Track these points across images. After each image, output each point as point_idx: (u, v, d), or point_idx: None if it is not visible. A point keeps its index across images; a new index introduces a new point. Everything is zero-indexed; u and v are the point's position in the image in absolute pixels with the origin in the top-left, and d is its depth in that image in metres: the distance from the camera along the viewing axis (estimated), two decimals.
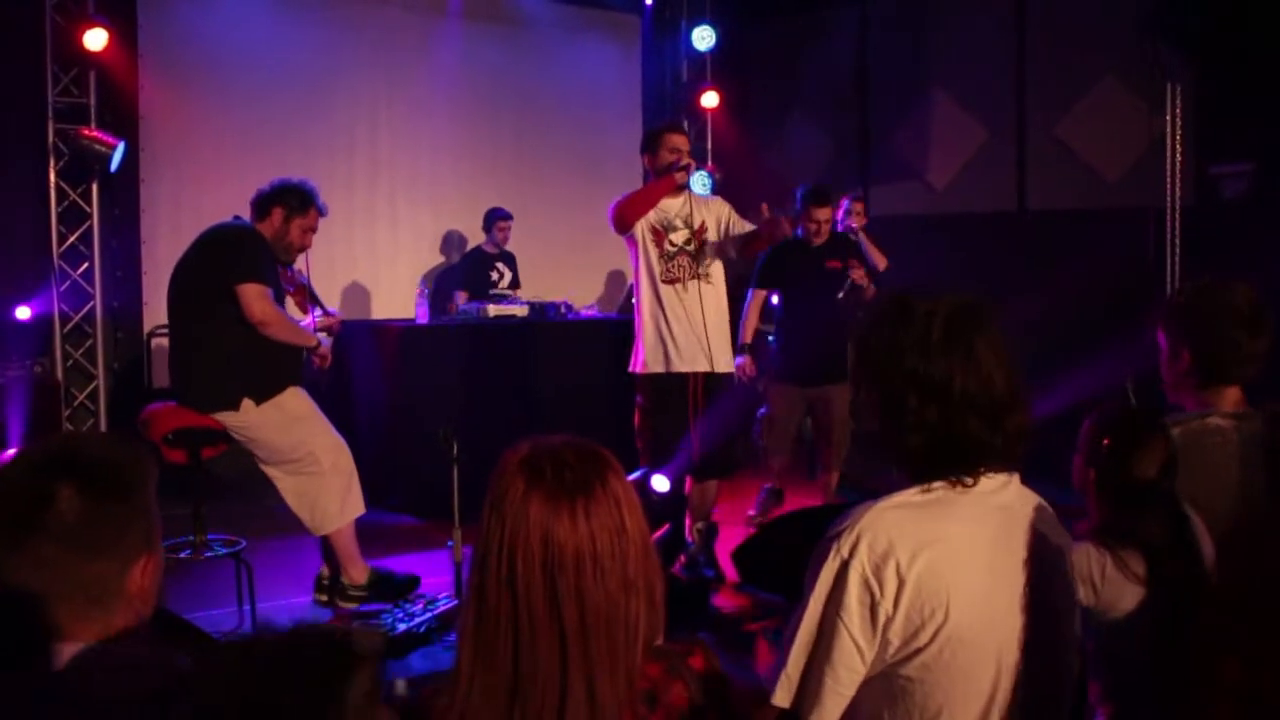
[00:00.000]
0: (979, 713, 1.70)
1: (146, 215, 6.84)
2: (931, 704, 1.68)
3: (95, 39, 6.28)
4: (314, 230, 4.40)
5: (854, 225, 6.35)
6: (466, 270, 7.62)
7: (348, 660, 1.03)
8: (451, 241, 8.17)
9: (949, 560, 1.65)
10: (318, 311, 4.65)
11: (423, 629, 3.93)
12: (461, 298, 7.00)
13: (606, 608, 1.39)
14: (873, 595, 1.63)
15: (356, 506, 4.32)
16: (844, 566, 1.65)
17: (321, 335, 4.38)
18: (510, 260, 7.69)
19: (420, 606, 4.12)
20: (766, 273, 5.79)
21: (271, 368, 4.15)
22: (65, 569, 1.40)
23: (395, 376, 6.20)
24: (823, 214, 5.71)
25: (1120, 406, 2.52)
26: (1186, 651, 2.20)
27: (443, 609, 4.07)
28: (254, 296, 4.04)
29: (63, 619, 1.41)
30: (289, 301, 4.53)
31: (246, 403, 4.10)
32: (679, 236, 4.86)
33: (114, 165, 6.40)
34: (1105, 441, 2.35)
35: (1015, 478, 1.78)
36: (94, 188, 6.60)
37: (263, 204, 4.31)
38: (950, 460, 1.71)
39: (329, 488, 4.21)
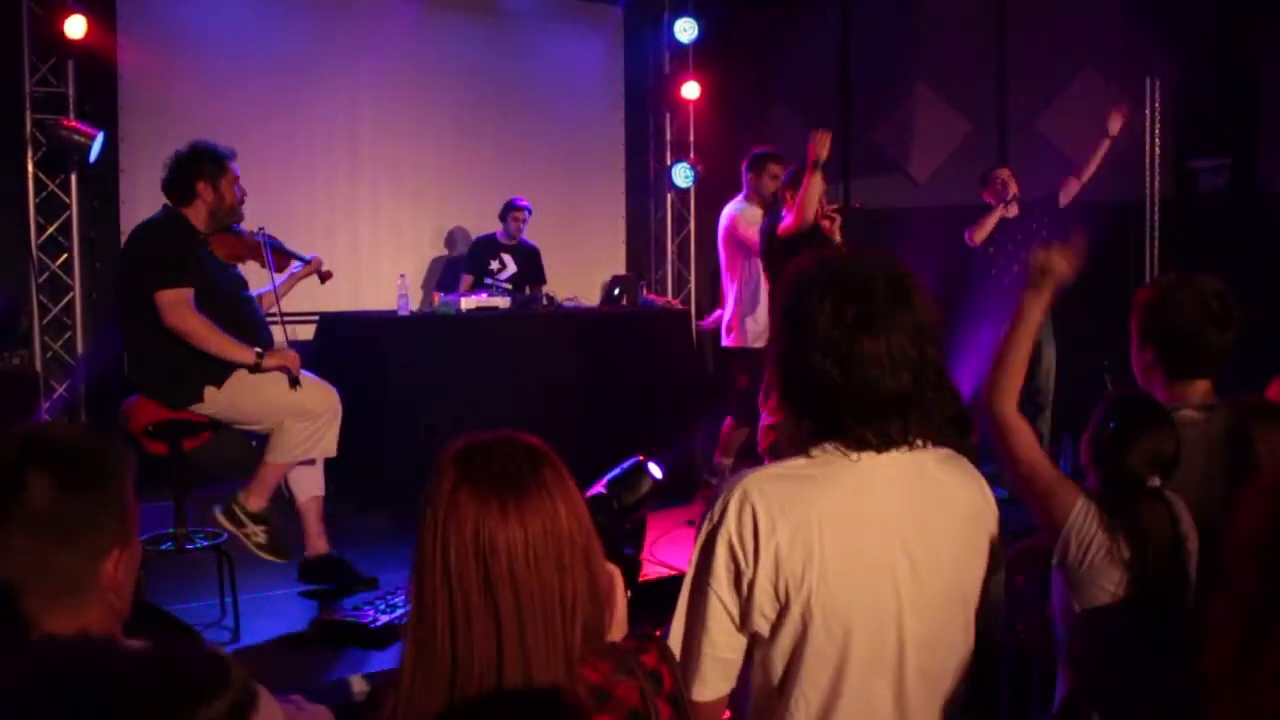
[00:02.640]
0: (869, 682, 1.72)
1: (126, 206, 6.79)
2: (817, 674, 1.69)
3: (74, 27, 6.22)
4: (238, 177, 4.28)
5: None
6: (471, 255, 7.59)
7: (215, 678, 0.95)
8: (434, 234, 8.16)
9: (818, 530, 1.66)
10: (295, 265, 4.62)
11: (404, 621, 3.92)
12: (465, 283, 7.00)
13: (541, 591, 1.41)
14: (738, 562, 1.67)
15: (313, 450, 4.24)
16: (713, 533, 1.69)
17: (273, 360, 4.18)
18: (521, 253, 7.56)
19: (402, 598, 4.12)
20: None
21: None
22: (35, 558, 1.40)
23: (375, 369, 6.19)
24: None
25: (1136, 394, 2.56)
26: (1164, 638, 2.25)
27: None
28: (169, 305, 3.99)
29: (33, 609, 1.41)
30: (250, 266, 4.47)
31: (209, 390, 4.09)
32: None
33: (93, 156, 6.36)
34: (1111, 425, 2.38)
35: (931, 451, 1.77)
36: (73, 178, 6.56)
37: (180, 186, 4.20)
38: (844, 424, 1.70)
39: (308, 428, 4.17)
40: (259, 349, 4.14)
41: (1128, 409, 2.42)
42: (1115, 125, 6.15)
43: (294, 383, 4.17)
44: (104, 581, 1.45)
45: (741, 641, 1.72)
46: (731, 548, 1.67)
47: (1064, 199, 6.31)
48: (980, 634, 1.82)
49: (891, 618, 1.70)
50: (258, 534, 4.18)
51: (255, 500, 4.21)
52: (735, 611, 1.69)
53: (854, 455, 1.70)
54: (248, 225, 4.45)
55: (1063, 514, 2.32)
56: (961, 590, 1.79)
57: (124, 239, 6.72)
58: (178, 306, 4.00)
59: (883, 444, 1.70)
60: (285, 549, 4.26)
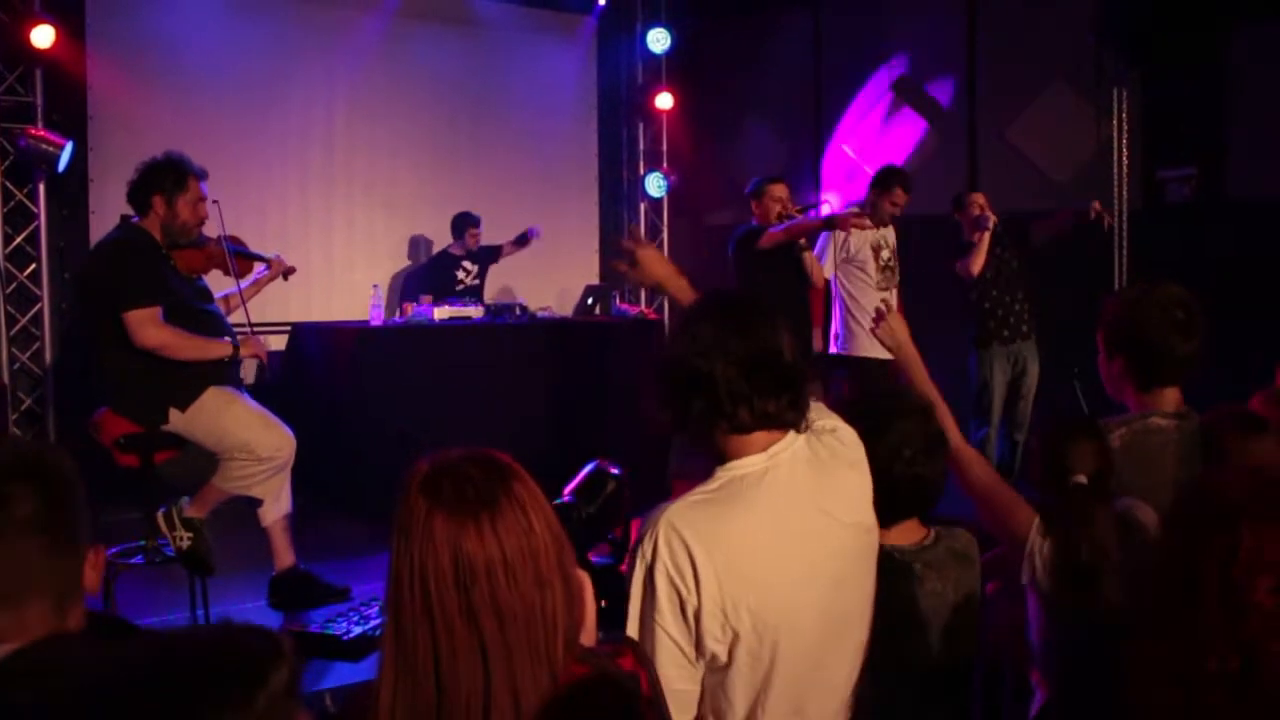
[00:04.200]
0: (822, 693, 1.78)
1: (96, 216, 6.73)
2: (774, 692, 1.73)
3: (42, 36, 6.17)
4: (205, 199, 4.24)
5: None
6: (431, 273, 7.57)
7: (274, 650, 1.02)
8: (406, 244, 8.14)
9: (748, 549, 1.71)
10: (260, 268, 4.59)
11: (378, 633, 3.91)
12: (425, 301, 6.94)
13: (523, 610, 1.40)
14: (679, 593, 1.70)
15: (251, 489, 4.23)
16: (649, 570, 1.71)
17: (247, 352, 4.24)
18: (481, 255, 7.61)
19: (375, 610, 4.10)
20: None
21: (187, 375, 4.11)
22: (25, 569, 1.46)
23: (349, 379, 6.17)
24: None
25: (1063, 412, 2.62)
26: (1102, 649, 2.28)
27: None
28: (137, 325, 3.98)
29: (18, 615, 1.45)
30: (215, 276, 4.45)
31: (173, 412, 4.10)
32: (885, 254, 6.20)
33: (62, 165, 6.30)
34: (1042, 442, 2.44)
35: (798, 438, 1.84)
36: (41, 188, 6.50)
37: (137, 197, 4.17)
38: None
39: (252, 468, 4.18)
40: (233, 340, 4.19)
41: (1055, 426, 2.49)
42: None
43: (262, 370, 4.31)
44: (86, 581, 1.52)
45: (695, 672, 1.74)
46: (670, 579, 1.69)
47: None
48: (952, 649, 1.85)
49: (823, 615, 1.77)
50: (183, 540, 4.15)
51: (194, 510, 4.22)
52: (685, 643, 1.71)
53: (753, 463, 1.77)
54: (209, 231, 4.38)
55: (1023, 532, 2.36)
56: (866, 580, 1.90)
57: (91, 248, 6.71)
58: (146, 325, 3.98)
59: (761, 422, 1.78)
60: (204, 563, 4.21)
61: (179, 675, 0.97)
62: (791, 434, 1.82)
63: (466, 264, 7.55)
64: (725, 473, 1.78)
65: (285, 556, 4.38)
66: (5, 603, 1.44)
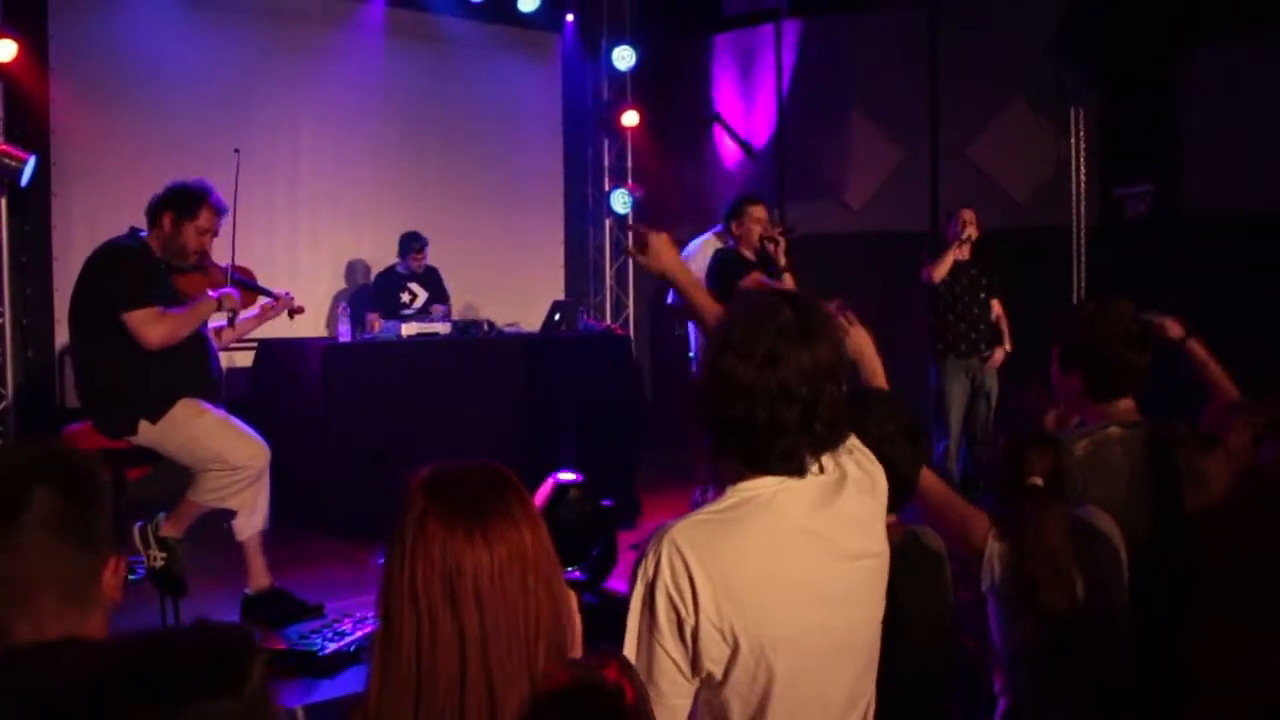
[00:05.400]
0: (823, 715, 1.78)
1: (59, 230, 6.69)
2: (771, 713, 1.73)
3: (4, 50, 6.13)
4: (211, 232, 4.31)
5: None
6: (377, 291, 7.53)
7: (251, 643, 1.07)
8: (373, 260, 8.12)
9: (747, 571, 1.71)
10: (263, 301, 4.62)
11: (352, 648, 3.91)
12: (373, 319, 6.91)
13: (506, 608, 1.44)
14: (678, 611, 1.70)
15: (228, 500, 4.22)
16: (650, 587, 1.72)
17: (220, 296, 4.29)
18: (427, 279, 7.56)
19: (349, 625, 4.10)
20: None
21: (158, 387, 4.11)
22: (46, 572, 1.46)
23: (318, 396, 6.14)
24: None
25: (1020, 424, 2.70)
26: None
27: (372, 628, 4.03)
28: (139, 323, 4.00)
29: (42, 619, 1.46)
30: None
31: (143, 424, 4.10)
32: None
33: (25, 180, 6.24)
34: (1003, 448, 2.53)
35: (831, 475, 1.80)
36: (2, 203, 6.43)
37: (152, 211, 4.23)
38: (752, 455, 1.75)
39: (227, 478, 4.17)
40: (214, 298, 4.25)
41: (1011, 436, 2.58)
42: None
43: (232, 320, 4.37)
44: (106, 588, 1.52)
45: (689, 688, 1.75)
46: (670, 598, 1.70)
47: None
48: (933, 649, 1.88)
49: (824, 639, 1.77)
50: (157, 559, 4.16)
51: (170, 528, 4.21)
52: (682, 660, 1.72)
53: (764, 484, 1.75)
54: (218, 260, 4.46)
55: (980, 540, 2.43)
56: (873, 607, 1.87)
57: (55, 264, 6.65)
58: (148, 322, 4.00)
59: (781, 468, 1.75)
60: (177, 583, 4.21)
61: (167, 667, 1.00)
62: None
63: (413, 286, 7.49)
64: (736, 493, 1.76)
65: (260, 576, 4.37)
66: (20, 605, 1.45)
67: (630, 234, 2.54)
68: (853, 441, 1.87)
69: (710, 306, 2.53)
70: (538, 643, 1.46)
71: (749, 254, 5.75)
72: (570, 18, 8.99)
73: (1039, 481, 2.41)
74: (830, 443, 1.77)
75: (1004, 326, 6.63)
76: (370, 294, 7.60)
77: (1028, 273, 6.98)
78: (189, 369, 4.20)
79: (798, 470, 1.75)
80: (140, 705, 0.97)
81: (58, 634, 1.45)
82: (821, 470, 1.78)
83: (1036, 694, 2.43)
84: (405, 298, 7.44)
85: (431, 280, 7.59)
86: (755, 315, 1.77)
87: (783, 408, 1.70)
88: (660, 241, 2.59)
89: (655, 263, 2.58)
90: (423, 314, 7.24)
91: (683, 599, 1.69)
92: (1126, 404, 2.77)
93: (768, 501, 1.74)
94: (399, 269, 7.52)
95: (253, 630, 1.12)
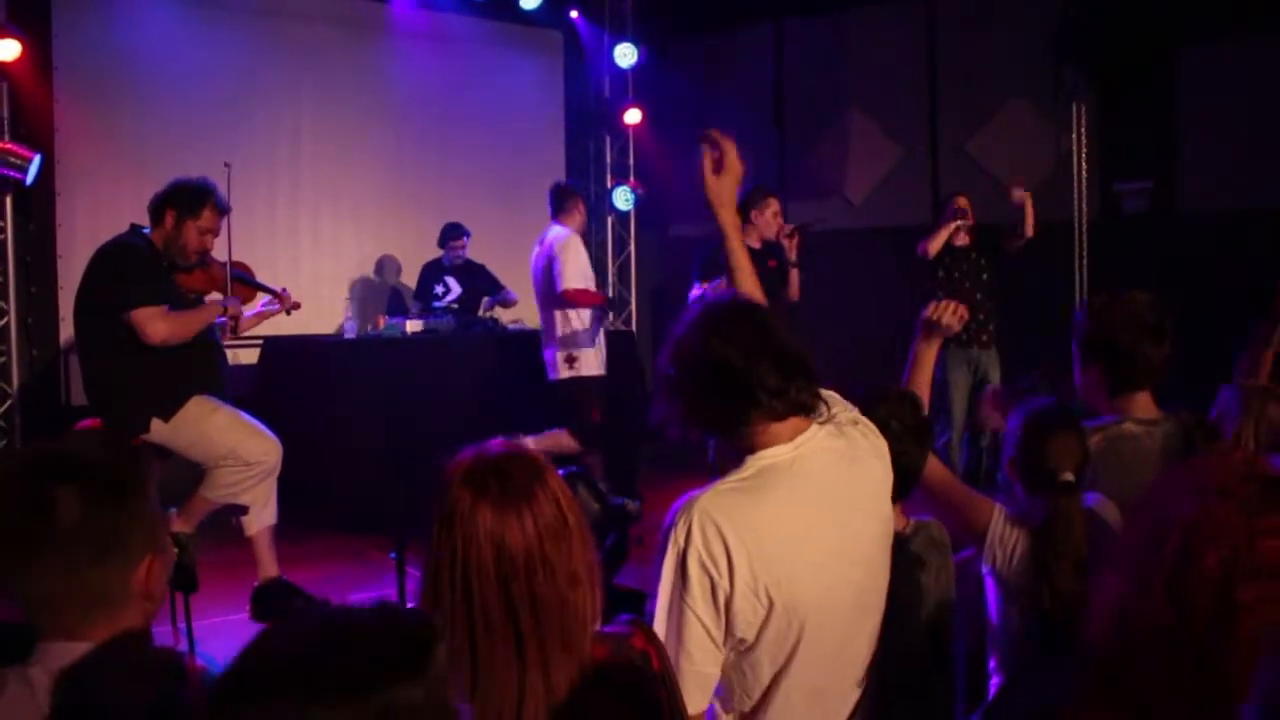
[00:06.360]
0: (841, 672, 1.86)
1: (63, 229, 6.71)
2: (796, 670, 1.80)
3: (7, 50, 6.14)
4: (213, 232, 4.31)
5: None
6: (419, 283, 7.57)
7: (433, 626, 1.06)
8: (374, 257, 8.15)
9: (777, 534, 1.77)
10: (264, 300, 4.64)
11: None
12: (415, 308, 7.01)
13: (558, 605, 1.46)
14: (711, 578, 1.75)
15: (241, 496, 4.26)
16: (682, 555, 1.76)
17: (226, 304, 4.35)
18: (465, 273, 7.54)
19: None
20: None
21: (169, 386, 4.14)
22: (69, 576, 1.42)
23: (322, 392, 6.17)
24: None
25: (1045, 402, 2.65)
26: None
27: None
28: (144, 321, 4.01)
29: (70, 621, 1.44)
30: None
31: (156, 423, 4.11)
32: None
33: (30, 179, 6.27)
34: (1022, 431, 2.48)
35: (823, 428, 1.90)
36: (8, 202, 6.47)
37: (155, 208, 4.24)
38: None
39: (240, 473, 4.21)
40: (219, 301, 4.32)
41: (1037, 415, 2.53)
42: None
43: (235, 328, 4.39)
44: (137, 589, 1.48)
45: (718, 656, 1.79)
46: (703, 564, 1.74)
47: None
48: (933, 637, 1.92)
49: (850, 597, 1.86)
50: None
51: (181, 523, 4.22)
52: (713, 627, 1.76)
53: (781, 452, 1.83)
54: (217, 256, 4.47)
55: (982, 525, 2.43)
56: (886, 569, 1.97)
57: (59, 262, 6.68)
58: (153, 320, 4.02)
59: (792, 409, 1.85)
60: (189, 580, 4.21)
61: (358, 644, 0.98)
62: (814, 425, 1.88)
63: (449, 279, 7.53)
64: (755, 462, 1.83)
65: (269, 567, 4.39)
66: (49, 612, 1.43)
67: (706, 143, 2.15)
68: (855, 414, 1.98)
69: (746, 269, 2.39)
70: (585, 631, 1.49)
71: (754, 244, 5.70)
72: (573, 15, 9.01)
73: (1070, 478, 2.38)
74: (811, 378, 1.87)
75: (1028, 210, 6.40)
76: (417, 284, 7.62)
77: (1028, 268, 6.99)
78: (199, 367, 4.22)
79: (802, 408, 1.85)
80: (329, 693, 0.94)
81: (89, 638, 1.43)
82: (832, 423, 1.90)
83: (1031, 674, 2.43)
84: (439, 289, 7.46)
85: (470, 274, 7.57)
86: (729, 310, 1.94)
87: (759, 358, 1.83)
88: (733, 164, 2.36)
89: (724, 189, 2.36)
90: (461, 309, 7.26)
91: (716, 565, 1.74)
92: (1144, 398, 2.69)
93: (787, 467, 1.82)
94: (443, 261, 7.53)
95: (432, 615, 1.12)
